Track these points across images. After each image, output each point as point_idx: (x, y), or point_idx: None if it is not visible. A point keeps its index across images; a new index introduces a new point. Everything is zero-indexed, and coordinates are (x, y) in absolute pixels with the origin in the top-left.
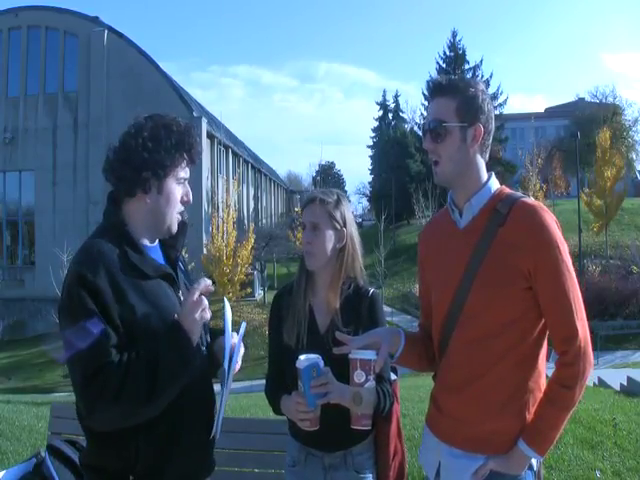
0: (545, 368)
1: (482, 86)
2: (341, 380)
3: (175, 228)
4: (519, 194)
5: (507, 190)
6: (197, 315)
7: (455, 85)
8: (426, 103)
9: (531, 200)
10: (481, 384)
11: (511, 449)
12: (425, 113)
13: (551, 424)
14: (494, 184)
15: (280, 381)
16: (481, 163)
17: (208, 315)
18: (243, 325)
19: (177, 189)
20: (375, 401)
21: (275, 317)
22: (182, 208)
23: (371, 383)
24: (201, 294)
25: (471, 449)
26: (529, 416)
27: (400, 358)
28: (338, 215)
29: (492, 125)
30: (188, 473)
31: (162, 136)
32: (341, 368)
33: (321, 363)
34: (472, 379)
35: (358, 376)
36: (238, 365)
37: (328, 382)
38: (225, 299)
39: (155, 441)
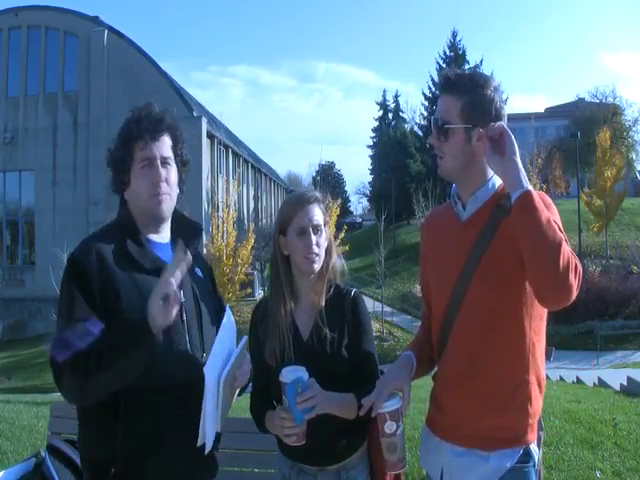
0: (544, 363)
1: (494, 83)
2: (326, 387)
3: (159, 210)
4: None
5: None
6: (161, 303)
7: (462, 84)
8: (426, 103)
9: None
10: (481, 379)
11: (515, 444)
12: (425, 113)
13: (540, 213)
14: (497, 180)
15: (265, 397)
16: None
17: (176, 301)
18: (243, 340)
19: (141, 174)
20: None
21: (256, 332)
22: (160, 189)
23: (401, 428)
24: (175, 271)
25: (473, 446)
26: (531, 409)
27: (412, 377)
28: (325, 213)
29: (503, 124)
30: (172, 474)
31: (120, 131)
32: (326, 373)
33: (305, 376)
34: (472, 374)
35: (389, 427)
36: (243, 381)
37: (314, 395)
38: (228, 308)
39: (133, 437)
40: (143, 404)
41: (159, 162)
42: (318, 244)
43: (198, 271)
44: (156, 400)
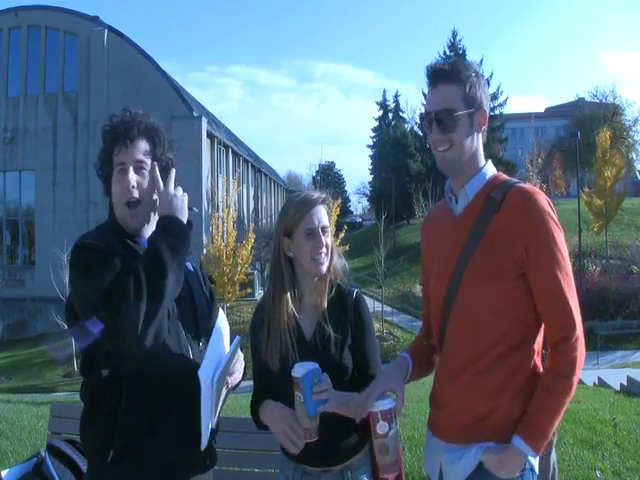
0: (540, 350)
1: (477, 66)
2: (334, 387)
3: (128, 219)
4: (514, 180)
5: (503, 176)
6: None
7: (459, 71)
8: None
9: (527, 185)
10: (475, 368)
11: (507, 431)
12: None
13: (549, 416)
14: (490, 170)
15: (265, 399)
16: (481, 147)
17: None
18: (237, 340)
19: (116, 180)
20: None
21: (256, 334)
22: (130, 195)
23: (394, 430)
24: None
25: (465, 442)
26: (524, 398)
27: (408, 380)
28: (329, 213)
29: (489, 103)
30: (168, 460)
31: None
32: (331, 373)
33: (319, 368)
34: (467, 365)
35: (381, 428)
36: (236, 378)
37: (329, 387)
38: (220, 310)
39: (133, 420)
40: (143, 389)
41: (131, 167)
42: (327, 245)
43: (189, 265)
44: (155, 385)
